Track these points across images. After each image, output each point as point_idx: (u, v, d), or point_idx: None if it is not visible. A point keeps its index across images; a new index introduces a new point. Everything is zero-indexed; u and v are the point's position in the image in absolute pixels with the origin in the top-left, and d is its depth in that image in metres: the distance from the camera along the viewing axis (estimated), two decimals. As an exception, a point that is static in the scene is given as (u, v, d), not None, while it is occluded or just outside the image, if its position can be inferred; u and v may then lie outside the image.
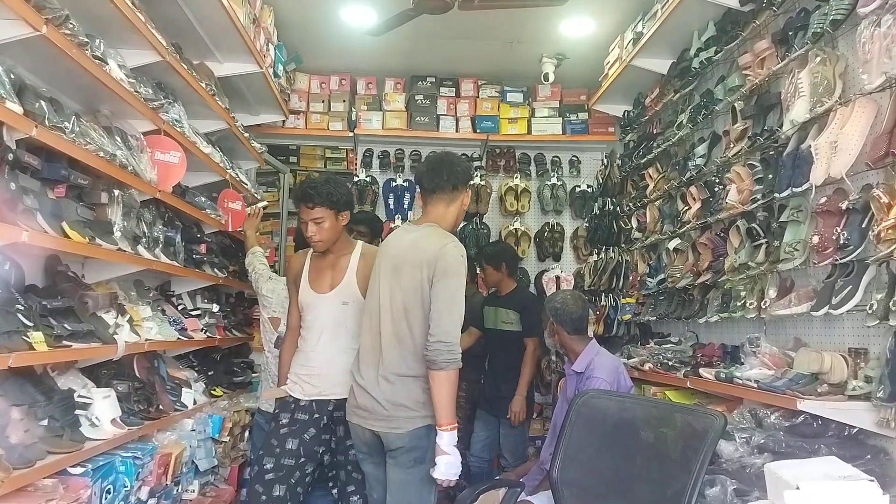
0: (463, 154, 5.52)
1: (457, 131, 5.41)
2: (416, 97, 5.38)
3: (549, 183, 5.53)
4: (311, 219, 2.77)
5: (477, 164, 5.50)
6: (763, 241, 2.88)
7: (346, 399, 2.61)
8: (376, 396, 2.40)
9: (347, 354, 2.71)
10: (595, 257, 5.17)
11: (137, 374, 2.90)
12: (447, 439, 2.31)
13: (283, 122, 5.20)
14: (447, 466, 2.30)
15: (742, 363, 2.82)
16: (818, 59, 2.62)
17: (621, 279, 4.66)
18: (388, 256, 2.54)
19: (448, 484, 2.33)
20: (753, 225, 2.96)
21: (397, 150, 5.56)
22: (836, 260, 2.40)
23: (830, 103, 2.55)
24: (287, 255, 5.10)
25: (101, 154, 2.41)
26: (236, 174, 4.13)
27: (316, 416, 2.76)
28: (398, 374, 2.40)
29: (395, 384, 2.40)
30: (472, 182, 3.28)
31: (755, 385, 2.54)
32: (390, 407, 2.38)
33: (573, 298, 3.32)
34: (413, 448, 2.37)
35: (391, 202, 5.42)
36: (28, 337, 2.00)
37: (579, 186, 5.55)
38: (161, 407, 2.90)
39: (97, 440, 2.31)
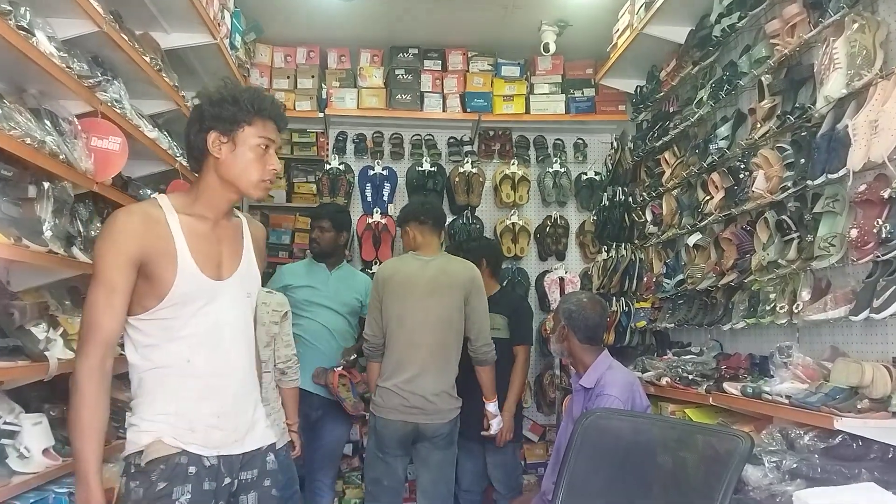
0: (451, 137, 5.56)
1: (444, 111, 5.42)
2: (397, 72, 5.37)
3: (550, 170, 5.53)
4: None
5: (468, 148, 5.51)
6: (795, 235, 2.90)
7: (257, 451, 2.12)
8: (431, 398, 3.45)
9: (255, 377, 2.22)
10: (604, 255, 5.19)
11: (73, 396, 2.88)
12: (493, 407, 3.79)
13: (242, 101, 5.18)
14: (497, 423, 3.82)
15: (772, 376, 2.83)
16: (856, 25, 2.65)
17: (634, 280, 4.67)
18: (416, 280, 3.57)
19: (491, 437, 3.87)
20: (784, 217, 2.98)
21: (375, 133, 5.56)
22: (878, 256, 2.42)
23: (870, 76, 2.57)
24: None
25: (28, 141, 2.39)
26: (187, 163, 4.12)
27: (226, 481, 2.01)
28: (445, 375, 3.51)
29: (443, 385, 3.50)
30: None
31: (786, 401, 2.56)
32: (440, 402, 3.48)
33: (591, 302, 3.33)
34: (450, 433, 3.54)
35: (368, 193, 5.41)
36: (-57, 355, 1.99)
37: (585, 174, 5.56)
38: (101, 434, 2.88)
39: (27, 474, 2.30)
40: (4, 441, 2.31)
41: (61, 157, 2.62)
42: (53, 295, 2.90)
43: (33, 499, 2.35)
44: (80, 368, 1.89)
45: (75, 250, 2.78)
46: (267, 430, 2.15)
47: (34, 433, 2.40)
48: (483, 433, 3.79)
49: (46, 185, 2.62)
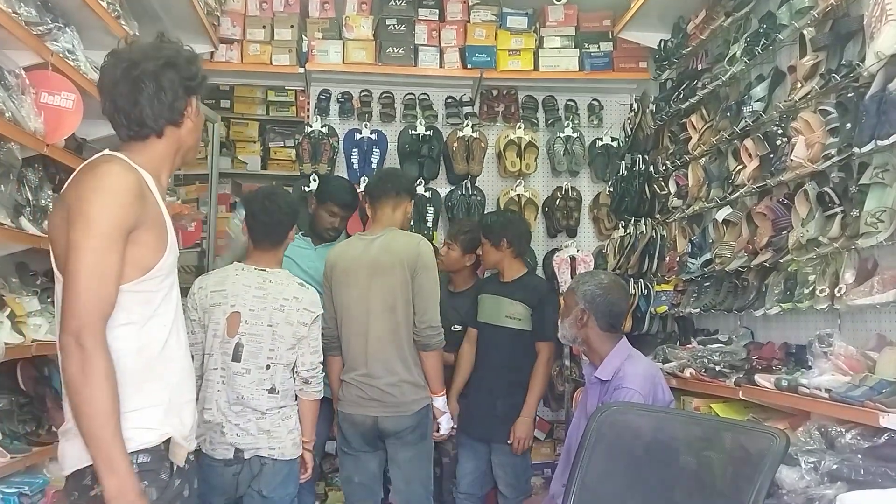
0: (450, 97, 5.54)
1: (441, 67, 5.38)
2: (388, 22, 5.33)
3: (561, 135, 5.51)
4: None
5: (468, 110, 5.49)
6: (838, 209, 2.90)
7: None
8: (385, 387, 3.50)
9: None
10: (621, 232, 5.19)
11: (22, 385, 2.90)
12: (441, 402, 3.70)
13: (212, 54, 5.13)
14: (446, 422, 3.74)
15: (809, 367, 2.85)
16: (912, -30, 2.63)
17: (655, 260, 4.68)
18: (357, 264, 3.62)
19: (444, 438, 3.86)
20: (826, 189, 2.98)
21: (363, 91, 5.53)
22: (932, 233, 2.43)
23: (927, 29, 2.56)
24: (218, 228, 5.07)
25: (-31, 96, 2.39)
26: (150, 123, 4.10)
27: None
28: (399, 364, 3.54)
29: (396, 374, 3.52)
30: (414, 195, 4.20)
31: (826, 395, 2.57)
32: (400, 393, 3.52)
33: (615, 285, 3.34)
34: (418, 425, 3.56)
35: (355, 160, 5.38)
36: None
37: (601, 140, 5.55)
38: (54, 428, 2.88)
39: (-30, 472, 2.32)
40: (-55, 435, 2.32)
41: (7, 115, 2.61)
42: (-1, 272, 2.91)
43: (-22, 500, 2.36)
44: (91, 342, 1.81)
45: (24, 221, 2.78)
46: None
47: (-22, 427, 2.41)
48: (434, 435, 3.75)
49: (-10, 146, 2.62)
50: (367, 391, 3.51)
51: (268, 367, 3.17)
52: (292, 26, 5.35)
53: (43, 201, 3.02)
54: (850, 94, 2.93)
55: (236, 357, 3.18)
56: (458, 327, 4.24)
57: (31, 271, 3.21)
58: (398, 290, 3.55)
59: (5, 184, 2.71)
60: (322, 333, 3.42)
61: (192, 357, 2.53)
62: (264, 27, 5.33)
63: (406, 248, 3.61)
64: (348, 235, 4.31)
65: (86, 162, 2.03)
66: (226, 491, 3.15)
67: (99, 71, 2.11)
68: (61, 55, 3.06)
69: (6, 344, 2.53)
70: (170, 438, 1.98)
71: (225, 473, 3.11)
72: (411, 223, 4.68)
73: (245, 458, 3.12)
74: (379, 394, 3.50)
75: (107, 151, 2.03)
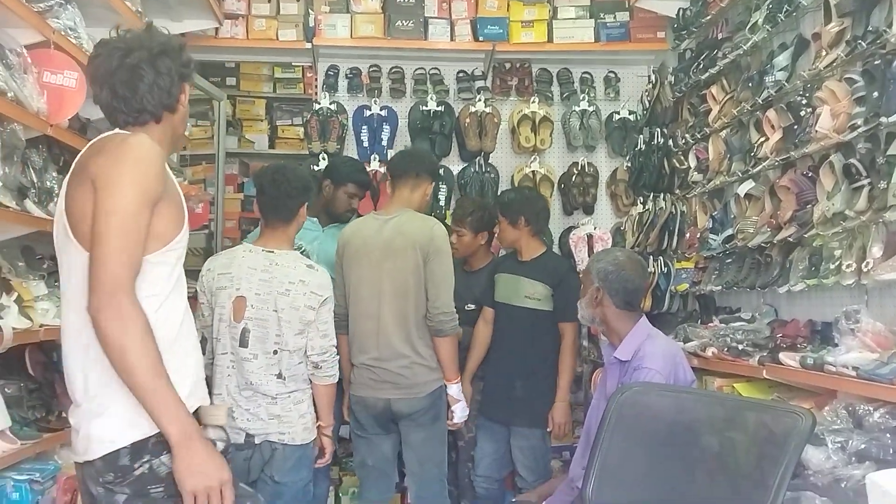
0: (461, 72, 5.53)
1: (452, 40, 5.37)
2: (397, -6, 5.33)
3: (577, 109, 5.49)
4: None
5: (480, 84, 5.47)
6: (865, 181, 2.88)
7: None
8: (397, 370, 3.54)
9: None
10: (640, 208, 5.18)
11: (31, 371, 2.93)
12: (456, 390, 3.70)
13: (217, 30, 5.14)
14: (461, 410, 3.75)
15: (836, 345, 2.84)
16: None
17: (675, 237, 4.67)
18: (369, 245, 3.64)
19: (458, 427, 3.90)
20: (853, 161, 2.96)
21: (372, 66, 5.51)
22: (963, 206, 2.42)
23: (959, -7, 2.54)
24: (225, 209, 5.09)
25: (-29, 76, 2.40)
26: (155, 102, 4.11)
27: None
28: (411, 347, 3.57)
29: (410, 356, 3.56)
30: (435, 177, 4.25)
31: (853, 373, 2.56)
32: (412, 374, 3.55)
33: (630, 261, 3.34)
34: (431, 407, 3.60)
35: (364, 137, 5.39)
36: None
37: (618, 113, 5.51)
38: (64, 414, 2.91)
39: (-21, 460, 2.34)
40: (-46, 422, 2.35)
41: (9, 94, 2.63)
42: (4, 256, 2.93)
43: (-12, 488, 2.39)
44: (128, 299, 1.85)
45: (29, 204, 2.80)
46: None
47: (-12, 413, 2.43)
48: (449, 424, 3.79)
49: (-7, 127, 2.63)
50: (379, 374, 3.55)
51: (275, 352, 3.19)
52: (298, 0, 5.34)
53: (48, 183, 3.03)
54: (877, 62, 2.90)
55: (243, 342, 3.20)
56: (472, 306, 4.24)
57: (38, 255, 3.23)
58: (410, 274, 3.57)
59: (9, 166, 2.72)
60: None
61: (202, 339, 2.59)
62: (269, 1, 5.33)
63: (419, 232, 3.61)
64: (359, 215, 4.33)
65: (105, 136, 2.06)
66: (238, 476, 3.17)
67: (92, 58, 2.13)
68: (63, 33, 3.07)
69: (14, 329, 2.55)
70: (199, 408, 2.02)
71: (236, 458, 3.13)
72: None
73: (256, 443, 3.15)
74: (391, 376, 3.54)
75: (118, 130, 2.07)
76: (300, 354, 3.25)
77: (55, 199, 3.02)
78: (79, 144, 3.26)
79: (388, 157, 5.22)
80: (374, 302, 3.58)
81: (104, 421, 1.93)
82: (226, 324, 3.23)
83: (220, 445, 2.06)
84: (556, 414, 4.07)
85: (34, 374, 2.93)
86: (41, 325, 2.79)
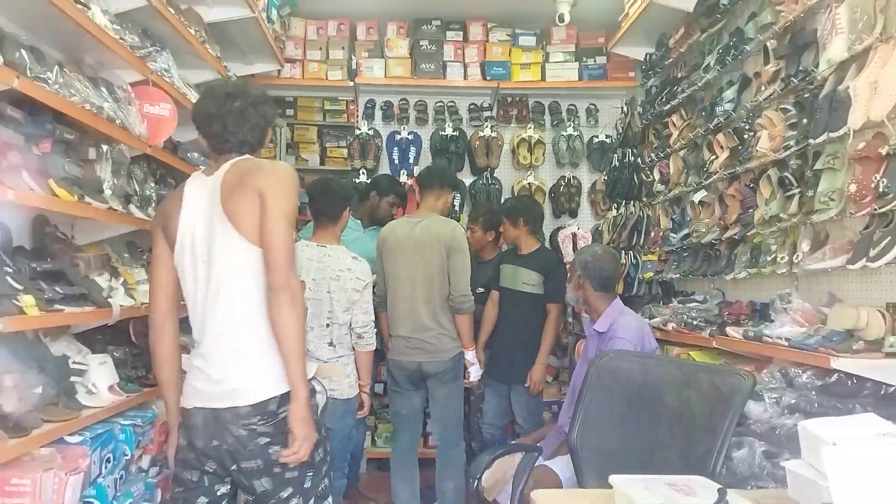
0: (472, 104, 5.51)
1: (465, 79, 5.36)
2: (421, 42, 5.31)
3: (564, 133, 5.48)
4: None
5: (487, 114, 5.46)
6: (796, 190, 2.86)
7: None
8: (427, 339, 3.59)
9: None
10: (614, 212, 5.15)
11: (134, 339, 2.93)
12: (471, 355, 3.76)
13: (279, 71, 5.16)
14: (475, 371, 3.80)
15: (772, 321, 2.81)
16: (858, -9, 2.57)
17: (642, 235, 4.65)
18: (404, 242, 3.66)
19: (473, 385, 3.93)
20: (786, 174, 2.94)
21: (401, 100, 5.51)
22: (875, 209, 2.39)
23: (871, 40, 2.50)
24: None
25: (87, 107, 2.41)
26: (231, 128, 4.12)
27: None
28: (436, 321, 3.61)
29: (436, 328, 3.61)
30: (456, 188, 4.35)
31: (786, 343, 2.55)
32: (438, 342, 3.61)
33: (605, 253, 3.36)
34: (452, 368, 3.66)
35: (395, 157, 5.40)
36: (18, 301, 2.02)
37: (597, 137, 5.50)
38: (160, 373, 2.94)
39: (94, 408, 2.36)
40: (74, 379, 2.37)
41: (117, 122, 2.63)
42: (114, 248, 2.94)
43: (100, 430, 2.40)
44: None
45: (132, 207, 2.81)
46: None
47: (100, 372, 2.45)
48: (465, 381, 3.81)
49: (105, 147, 2.64)
50: (412, 342, 3.59)
51: (327, 325, 3.20)
52: (343, 48, 5.35)
53: (147, 192, 3.04)
54: (806, 95, 2.89)
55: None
56: (482, 289, 4.24)
57: (139, 248, 3.25)
58: (435, 265, 3.60)
59: (118, 178, 2.73)
60: (374, 294, 3.52)
61: None
62: (320, 49, 5.34)
63: (444, 232, 3.64)
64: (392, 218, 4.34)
65: (246, 160, 2.14)
66: None
67: (204, 98, 2.19)
68: (159, 73, 3.08)
69: (121, 306, 2.57)
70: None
71: None
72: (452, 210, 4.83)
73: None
74: (422, 344, 3.58)
75: (249, 156, 2.17)
76: (347, 327, 3.25)
77: (152, 204, 3.05)
78: (172, 161, 3.29)
79: (415, 173, 5.25)
80: (409, 287, 3.61)
81: (257, 376, 2.01)
82: None
83: (321, 398, 2.26)
84: (533, 373, 4.05)
85: (136, 342, 2.94)
86: (142, 303, 2.79)
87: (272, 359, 2.01)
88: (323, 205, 3.34)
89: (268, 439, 2.00)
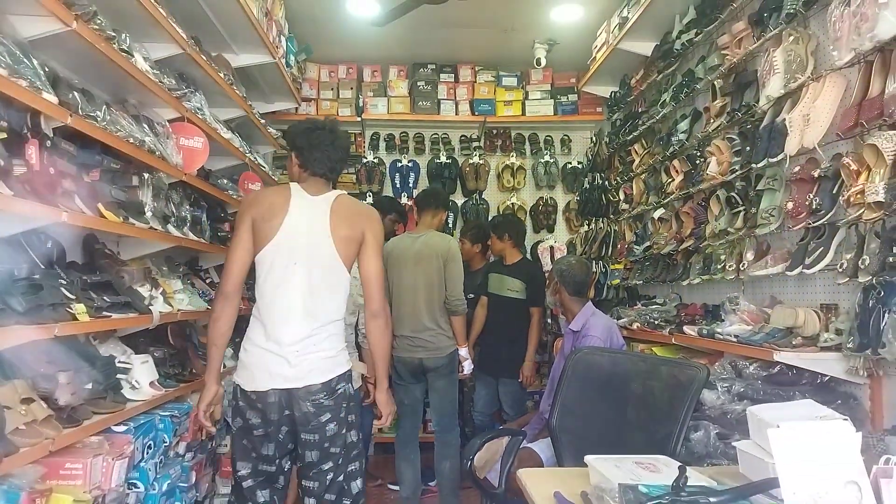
0: (462, 135, 5.52)
1: (456, 114, 5.37)
2: (419, 83, 5.32)
3: (542, 160, 5.50)
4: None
5: (475, 144, 5.47)
6: (741, 208, 2.87)
7: None
8: (427, 338, 3.57)
9: None
10: (586, 228, 5.16)
11: (171, 341, 2.93)
12: (464, 351, 3.72)
13: (296, 108, 5.15)
14: (468, 365, 3.75)
15: (722, 320, 2.82)
16: (791, 38, 2.60)
17: (610, 247, 4.65)
18: (406, 254, 3.64)
19: (466, 377, 3.83)
20: (732, 194, 2.95)
21: (402, 132, 5.52)
22: (809, 224, 2.40)
23: (803, 79, 2.52)
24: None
25: (131, 140, 2.41)
26: (254, 158, 4.12)
27: None
28: (435, 323, 3.59)
29: (435, 329, 3.59)
30: (448, 208, 4.33)
31: (735, 339, 2.55)
32: (437, 341, 3.58)
33: (578, 264, 3.37)
34: (449, 363, 3.62)
35: (397, 181, 5.40)
36: (71, 308, 2.01)
37: (570, 163, 5.51)
38: (194, 371, 2.92)
39: (137, 401, 2.35)
40: (120, 376, 2.36)
41: (157, 153, 2.63)
42: (154, 262, 2.93)
43: (143, 420, 2.38)
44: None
45: (170, 227, 2.80)
46: None
47: (142, 370, 2.44)
48: (459, 374, 3.76)
49: (146, 175, 2.64)
50: (414, 341, 3.59)
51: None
52: (352, 88, 5.36)
53: (183, 213, 3.04)
54: (748, 126, 2.91)
55: None
56: (472, 295, 4.24)
57: (176, 262, 3.24)
58: (434, 274, 3.59)
59: (157, 201, 2.73)
60: None
61: None
62: (332, 89, 5.35)
63: (440, 245, 3.64)
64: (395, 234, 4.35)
65: (351, 198, 2.33)
66: None
67: (310, 128, 2.28)
68: (193, 111, 3.08)
69: (160, 312, 2.56)
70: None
71: None
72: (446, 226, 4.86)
73: None
74: (423, 342, 3.58)
75: (344, 192, 2.32)
76: (353, 328, 3.31)
77: (188, 224, 3.04)
78: (204, 187, 3.28)
79: (414, 195, 5.26)
80: (411, 293, 3.61)
81: (330, 360, 2.14)
82: None
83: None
84: (524, 369, 4.05)
85: (174, 344, 2.93)
86: (178, 310, 2.79)
87: (337, 347, 2.17)
88: None
89: (329, 415, 2.09)
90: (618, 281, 4.41)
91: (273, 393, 2.08)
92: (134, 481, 2.29)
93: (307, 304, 2.13)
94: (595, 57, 4.61)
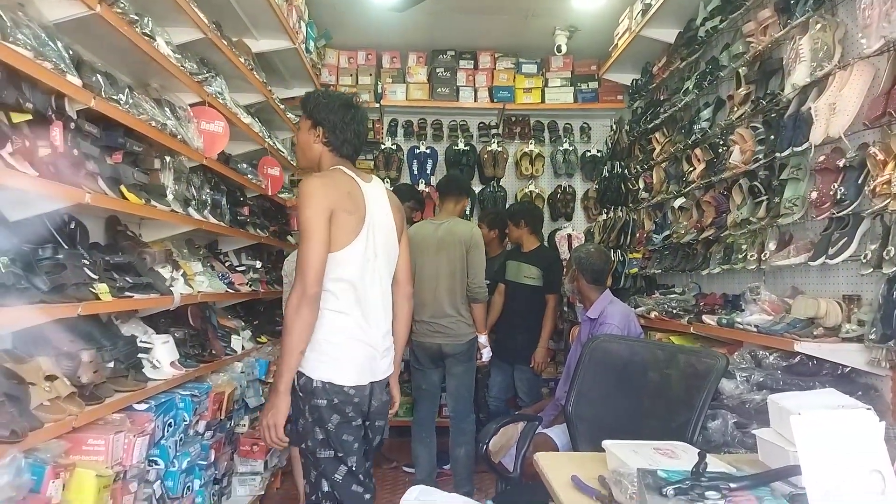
0: (481, 122, 5.50)
1: (475, 101, 5.33)
2: (438, 70, 5.30)
3: (561, 148, 5.45)
4: None
5: (494, 131, 5.44)
6: (764, 197, 2.83)
7: None
8: (447, 324, 3.57)
9: None
10: (604, 216, 5.13)
11: (192, 322, 2.96)
12: (484, 339, 3.71)
13: (316, 94, 5.15)
14: (487, 353, 3.75)
15: (742, 310, 2.79)
16: (818, 25, 2.54)
17: (629, 236, 4.62)
18: (429, 240, 3.62)
19: (485, 364, 3.84)
20: (755, 183, 2.91)
21: (420, 119, 5.50)
22: (833, 214, 2.36)
23: (830, 67, 2.48)
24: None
25: (153, 123, 2.42)
26: (274, 143, 4.14)
27: None
28: (456, 310, 3.58)
29: (455, 316, 3.58)
30: (471, 195, 4.41)
31: (755, 329, 2.53)
32: (457, 328, 3.58)
33: (597, 252, 3.35)
34: (468, 350, 3.63)
35: (415, 168, 5.39)
36: (94, 289, 2.04)
37: (590, 151, 5.46)
38: (213, 352, 2.96)
39: (158, 380, 2.38)
40: (141, 355, 2.39)
41: (179, 137, 2.65)
42: (175, 244, 2.96)
43: (164, 399, 2.42)
44: None
45: (191, 210, 2.82)
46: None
47: (163, 349, 2.47)
48: (478, 362, 3.77)
49: (168, 158, 2.66)
50: (434, 327, 3.58)
51: None
52: (370, 75, 5.34)
53: (203, 197, 3.06)
54: (773, 115, 2.86)
55: None
56: (488, 282, 4.23)
57: (196, 245, 3.27)
58: (456, 261, 3.58)
59: (178, 184, 2.75)
60: None
61: None
62: (351, 75, 5.34)
63: (464, 232, 3.63)
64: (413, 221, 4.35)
65: (385, 186, 2.26)
66: None
67: (348, 108, 2.13)
68: (214, 96, 3.10)
69: (181, 294, 2.59)
70: None
71: None
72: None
73: None
74: (442, 328, 3.58)
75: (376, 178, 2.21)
76: None
77: (208, 208, 3.06)
78: (224, 171, 3.30)
79: (432, 182, 5.26)
80: (433, 280, 3.59)
81: (391, 353, 2.18)
82: None
83: None
84: (537, 355, 4.04)
85: (194, 325, 2.97)
86: (199, 292, 2.82)
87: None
88: None
89: (388, 400, 2.17)
90: (635, 270, 4.38)
91: (368, 386, 2.04)
92: (154, 458, 2.33)
93: (385, 298, 2.12)
94: (617, 44, 4.56)
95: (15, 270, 1.73)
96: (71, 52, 2.03)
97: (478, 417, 4.13)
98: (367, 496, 2.05)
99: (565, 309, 4.86)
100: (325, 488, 2.01)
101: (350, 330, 2.00)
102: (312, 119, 2.11)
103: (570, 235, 5.21)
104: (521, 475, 2.49)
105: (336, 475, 1.99)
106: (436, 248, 3.62)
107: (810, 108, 2.49)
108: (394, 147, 5.38)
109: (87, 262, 2.10)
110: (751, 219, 2.88)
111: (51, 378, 1.84)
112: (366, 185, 2.10)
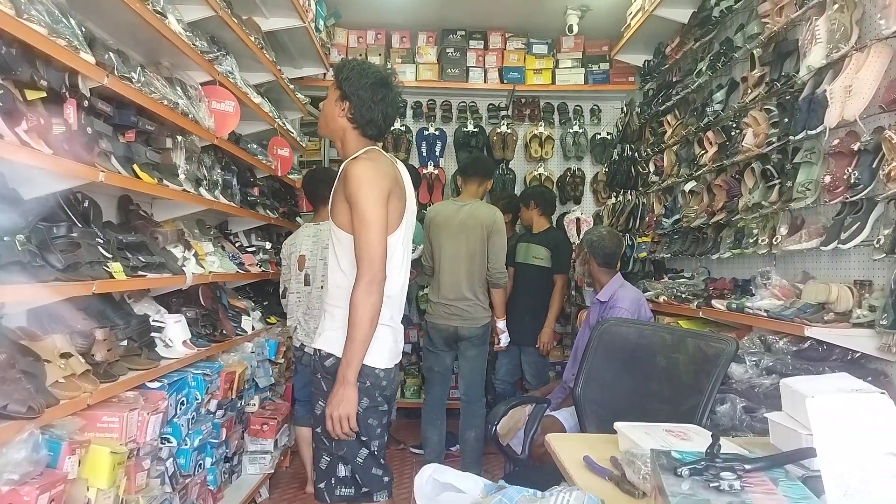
0: (491, 104, 5.46)
1: (485, 82, 5.30)
2: (447, 50, 5.26)
3: (571, 130, 5.42)
4: None
5: (503, 112, 5.41)
6: (777, 181, 2.81)
7: None
8: (464, 307, 3.57)
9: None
10: (613, 200, 5.11)
11: (203, 302, 2.98)
12: (502, 324, 3.73)
13: (325, 74, 5.11)
14: (505, 338, 3.76)
15: (752, 295, 2.78)
16: (836, 6, 2.50)
17: (638, 220, 4.60)
18: (450, 221, 3.61)
19: (502, 349, 3.85)
20: (768, 166, 2.88)
21: (429, 100, 5.47)
22: (847, 198, 2.34)
23: (846, 49, 2.44)
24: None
25: (165, 102, 2.42)
26: (283, 123, 4.13)
27: None
28: (473, 293, 3.58)
29: (473, 299, 3.58)
30: (493, 178, 4.27)
31: (765, 314, 2.52)
32: (473, 311, 3.59)
33: (609, 235, 3.35)
34: (483, 334, 3.64)
35: (424, 150, 5.38)
36: (108, 267, 2.05)
37: (600, 134, 5.43)
38: (224, 332, 2.98)
39: (171, 359, 2.40)
40: (154, 334, 2.41)
41: (190, 116, 2.65)
42: (186, 224, 2.97)
43: (176, 377, 2.44)
44: None
45: (202, 190, 2.83)
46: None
47: (175, 328, 2.49)
48: (496, 346, 3.80)
49: (179, 138, 2.66)
50: (451, 309, 3.59)
51: (321, 286, 3.19)
52: (380, 54, 5.30)
53: (214, 177, 3.07)
54: (787, 97, 2.83)
55: (307, 282, 3.30)
56: None
57: (207, 225, 3.28)
58: (477, 245, 3.57)
59: (190, 164, 2.75)
60: (423, 265, 3.65)
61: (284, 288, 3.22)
62: (360, 55, 5.27)
63: (486, 216, 3.62)
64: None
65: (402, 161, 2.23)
66: (303, 374, 3.36)
67: (380, 87, 2.02)
68: (224, 75, 3.09)
69: (193, 274, 2.60)
70: None
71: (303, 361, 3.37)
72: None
73: (309, 352, 3.21)
74: (459, 311, 3.58)
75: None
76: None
77: (219, 188, 3.07)
78: (235, 151, 3.30)
79: (440, 164, 5.26)
80: (453, 261, 3.59)
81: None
82: (293, 273, 3.34)
83: None
84: (542, 335, 4.06)
85: (205, 305, 2.99)
86: (210, 272, 2.84)
87: None
88: (316, 191, 3.41)
89: (399, 381, 2.26)
90: (645, 254, 4.37)
91: (395, 368, 2.07)
92: (167, 436, 2.36)
93: (406, 283, 2.12)
94: (629, 24, 4.51)
95: (30, 248, 1.74)
96: (83, 29, 2.03)
97: (486, 400, 4.16)
98: (387, 479, 2.05)
99: (573, 293, 4.86)
100: (342, 473, 1.99)
101: (382, 314, 1.95)
102: (341, 90, 2.00)
103: (578, 219, 5.19)
104: (528, 457, 2.51)
105: (358, 458, 1.98)
106: (456, 230, 3.61)
107: (825, 91, 2.46)
108: (402, 128, 5.36)
109: (101, 241, 2.12)
110: (763, 203, 2.87)
111: (66, 356, 1.86)
112: (402, 169, 2.09)
